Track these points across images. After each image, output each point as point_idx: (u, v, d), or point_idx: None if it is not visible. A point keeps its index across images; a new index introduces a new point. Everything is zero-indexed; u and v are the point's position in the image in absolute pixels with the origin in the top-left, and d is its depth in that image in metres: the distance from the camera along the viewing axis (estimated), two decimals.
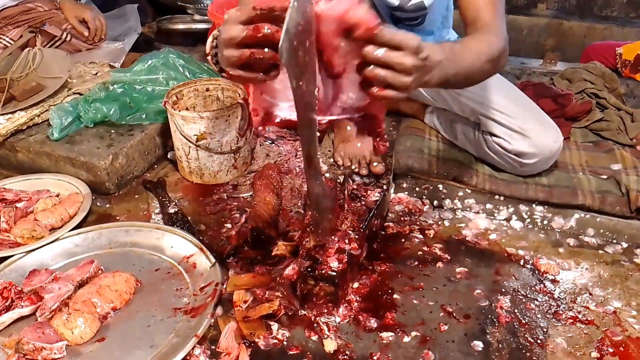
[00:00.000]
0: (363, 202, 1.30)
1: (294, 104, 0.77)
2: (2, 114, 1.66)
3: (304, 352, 1.05)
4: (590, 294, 1.22)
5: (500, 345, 1.07)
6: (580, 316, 1.15)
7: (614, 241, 1.39)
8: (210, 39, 0.86)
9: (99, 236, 1.35)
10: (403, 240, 1.37)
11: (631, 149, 1.62)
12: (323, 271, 1.09)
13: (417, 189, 1.53)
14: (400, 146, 1.59)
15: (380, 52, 0.78)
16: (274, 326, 1.10)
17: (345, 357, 1.04)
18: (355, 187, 1.49)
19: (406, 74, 0.80)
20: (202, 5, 2.52)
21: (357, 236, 1.17)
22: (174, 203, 1.50)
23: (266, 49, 0.77)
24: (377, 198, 1.31)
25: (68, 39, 2.11)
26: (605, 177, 1.48)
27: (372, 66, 0.79)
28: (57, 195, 1.50)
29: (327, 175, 1.57)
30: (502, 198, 1.47)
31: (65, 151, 1.57)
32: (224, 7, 1.89)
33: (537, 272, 1.28)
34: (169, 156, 1.74)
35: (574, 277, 1.27)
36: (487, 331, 1.11)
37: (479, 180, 1.49)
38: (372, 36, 0.77)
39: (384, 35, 0.77)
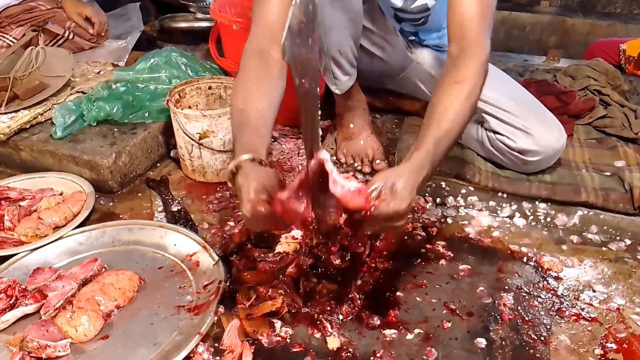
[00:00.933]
0: None
1: (297, 101, 0.77)
2: (6, 113, 1.66)
3: (307, 349, 1.06)
4: (594, 291, 1.21)
5: (503, 343, 1.07)
6: (583, 313, 1.15)
7: (618, 238, 1.38)
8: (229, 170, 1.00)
9: (102, 234, 1.35)
10: (406, 237, 1.37)
11: (634, 145, 1.62)
12: (326, 269, 1.09)
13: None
14: (402, 144, 1.59)
15: (375, 229, 1.00)
16: (277, 324, 1.10)
17: (348, 354, 1.05)
18: None
19: (399, 229, 0.98)
20: (204, 3, 2.51)
21: (360, 234, 1.17)
22: (177, 201, 1.50)
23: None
24: None
25: (71, 37, 2.12)
26: (608, 174, 1.48)
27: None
28: (61, 194, 1.50)
29: None
30: (505, 195, 1.46)
31: (68, 150, 1.58)
32: (226, 6, 1.88)
33: (540, 269, 1.28)
34: (171, 154, 1.74)
35: (577, 274, 1.27)
36: (490, 328, 1.11)
37: (482, 177, 1.49)
38: (367, 217, 0.93)
39: (378, 215, 0.92)
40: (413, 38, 1.61)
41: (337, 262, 1.09)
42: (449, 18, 1.17)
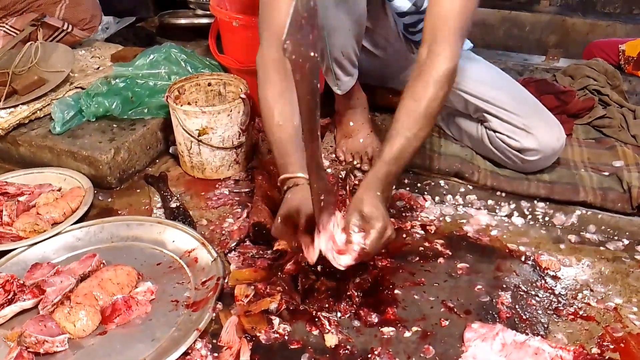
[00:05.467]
0: None
1: (297, 98, 0.77)
2: (4, 108, 1.66)
3: (305, 346, 1.06)
4: (591, 290, 1.22)
5: None
6: (581, 312, 1.15)
7: (615, 238, 1.39)
8: None
9: (100, 230, 1.35)
10: (404, 235, 1.37)
11: (633, 145, 1.62)
12: (324, 266, 1.09)
13: (419, 184, 1.53)
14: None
15: (376, 252, 1.11)
16: (275, 320, 1.10)
17: (346, 351, 1.05)
18: (357, 182, 1.49)
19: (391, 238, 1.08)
20: None
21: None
22: (175, 197, 1.50)
23: None
24: None
25: (69, 29, 2.10)
26: (607, 173, 1.48)
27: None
28: (59, 189, 1.50)
29: (329, 170, 1.57)
30: (503, 194, 1.47)
31: (67, 145, 1.57)
32: (225, 2, 1.88)
33: (538, 268, 1.28)
34: (170, 151, 1.74)
35: (575, 273, 1.27)
36: None
37: (481, 176, 1.49)
38: (366, 253, 1.03)
39: (372, 245, 1.02)
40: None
41: (333, 269, 1.09)
42: (425, 19, 1.18)
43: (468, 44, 1.71)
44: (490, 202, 1.47)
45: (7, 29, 2.01)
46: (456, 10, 1.14)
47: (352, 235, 1.02)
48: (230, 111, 1.52)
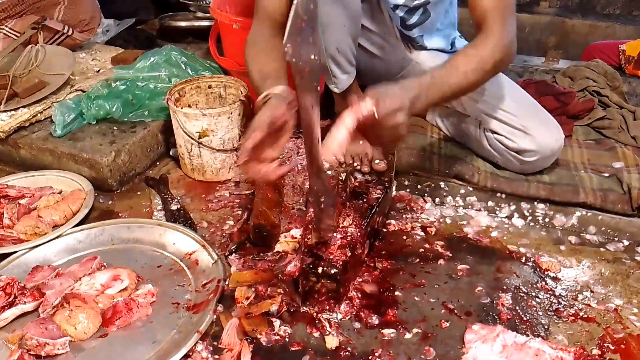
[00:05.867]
0: (365, 200, 1.30)
1: (297, 100, 0.78)
2: (5, 111, 1.66)
3: (305, 348, 1.06)
4: (592, 291, 1.22)
5: None
6: (581, 313, 1.15)
7: (616, 239, 1.39)
8: None
9: (101, 233, 1.35)
10: (405, 237, 1.37)
11: (633, 147, 1.62)
12: (325, 268, 1.09)
13: (419, 186, 1.53)
14: (402, 144, 1.59)
15: (383, 132, 1.01)
16: (276, 322, 1.10)
17: (347, 353, 1.05)
18: (357, 184, 1.49)
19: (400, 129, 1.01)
20: (204, 2, 2.51)
21: (359, 233, 1.17)
22: (176, 200, 1.50)
23: None
24: (379, 195, 1.32)
25: (70, 32, 2.10)
26: (607, 175, 1.48)
27: None
28: (60, 192, 1.51)
29: (329, 172, 1.57)
30: (503, 196, 1.47)
31: (67, 148, 1.58)
32: (225, 5, 1.89)
33: (538, 269, 1.28)
34: (171, 153, 1.74)
35: (575, 274, 1.27)
36: None
37: (481, 177, 1.49)
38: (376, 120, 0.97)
39: (383, 115, 0.97)
40: (419, 44, 1.60)
41: (334, 271, 1.09)
42: (471, 9, 1.23)
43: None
44: (490, 203, 1.48)
45: (7, 31, 2.01)
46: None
47: (365, 101, 0.96)
48: (231, 113, 1.52)
